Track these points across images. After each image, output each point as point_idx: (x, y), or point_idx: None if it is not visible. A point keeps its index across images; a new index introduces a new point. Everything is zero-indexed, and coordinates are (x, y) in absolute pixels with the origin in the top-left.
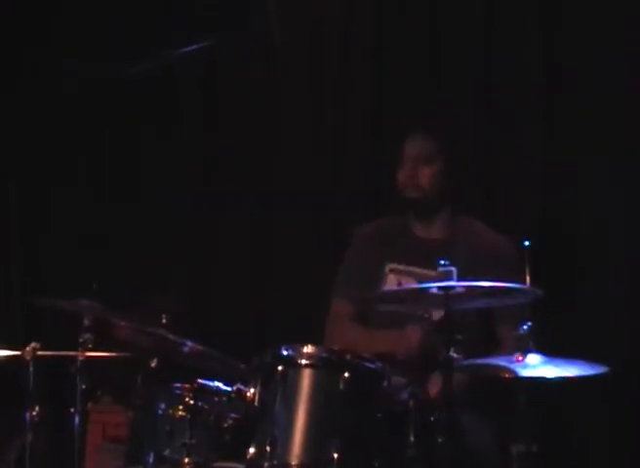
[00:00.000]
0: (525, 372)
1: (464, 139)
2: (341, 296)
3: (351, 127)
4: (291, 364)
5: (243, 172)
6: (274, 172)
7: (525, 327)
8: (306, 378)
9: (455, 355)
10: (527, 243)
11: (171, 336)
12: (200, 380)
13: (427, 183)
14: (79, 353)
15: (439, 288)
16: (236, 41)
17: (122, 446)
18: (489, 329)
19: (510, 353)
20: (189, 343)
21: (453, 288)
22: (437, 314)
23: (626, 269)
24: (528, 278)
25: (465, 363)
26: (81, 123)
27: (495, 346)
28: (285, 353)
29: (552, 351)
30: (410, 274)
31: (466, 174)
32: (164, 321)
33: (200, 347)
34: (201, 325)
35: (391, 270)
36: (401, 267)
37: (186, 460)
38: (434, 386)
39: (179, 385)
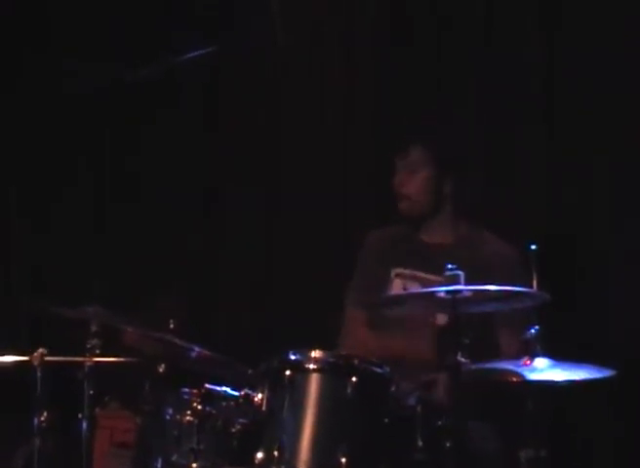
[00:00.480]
0: (533, 376)
1: (461, 141)
2: (354, 304)
3: (352, 127)
4: (298, 368)
5: (244, 172)
6: (275, 172)
7: (532, 331)
8: (314, 383)
9: (462, 359)
10: (533, 246)
11: (178, 342)
12: (208, 385)
13: (415, 192)
14: (87, 358)
15: (447, 292)
16: (237, 41)
17: (130, 451)
18: (491, 332)
19: (511, 358)
20: (197, 348)
21: (460, 292)
22: (441, 319)
23: (627, 270)
24: (535, 282)
25: (473, 367)
26: (81, 123)
27: (495, 351)
28: (292, 358)
29: (560, 354)
30: (414, 278)
31: (465, 174)
32: (171, 326)
33: (207, 352)
34: (204, 327)
35: (397, 275)
36: (406, 272)
37: (194, 465)
38: (441, 389)
39: (186, 390)
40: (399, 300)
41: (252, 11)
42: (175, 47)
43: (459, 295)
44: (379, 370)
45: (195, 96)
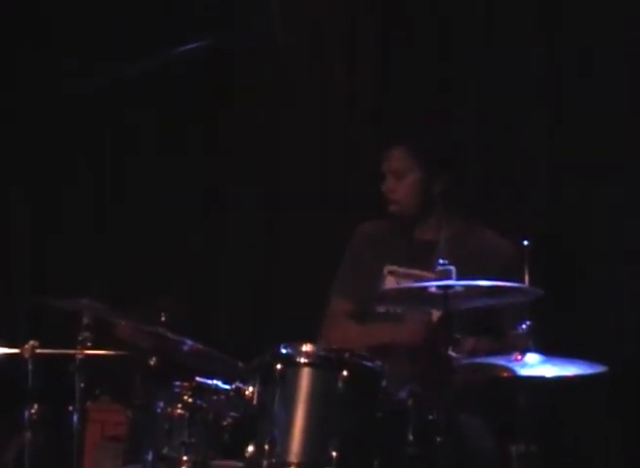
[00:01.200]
0: (524, 372)
1: (452, 140)
2: (341, 295)
3: (352, 127)
4: (290, 362)
5: (244, 172)
6: (275, 172)
7: (524, 326)
8: (305, 377)
9: (454, 354)
10: (526, 242)
11: (170, 335)
12: (199, 379)
13: (404, 197)
14: (78, 351)
15: (438, 287)
16: (237, 41)
17: (121, 444)
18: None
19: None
20: (189, 342)
21: (452, 287)
22: (437, 315)
23: (626, 269)
24: (527, 277)
25: (464, 362)
26: (81, 123)
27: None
28: (284, 351)
29: (551, 350)
30: (408, 276)
31: (460, 173)
32: (163, 319)
33: (199, 346)
34: (204, 327)
35: (390, 272)
36: (400, 270)
37: (185, 459)
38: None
39: (177, 384)
40: (391, 296)
41: (252, 11)
42: (174, 46)
43: (450, 291)
44: (370, 363)
45: (195, 95)
